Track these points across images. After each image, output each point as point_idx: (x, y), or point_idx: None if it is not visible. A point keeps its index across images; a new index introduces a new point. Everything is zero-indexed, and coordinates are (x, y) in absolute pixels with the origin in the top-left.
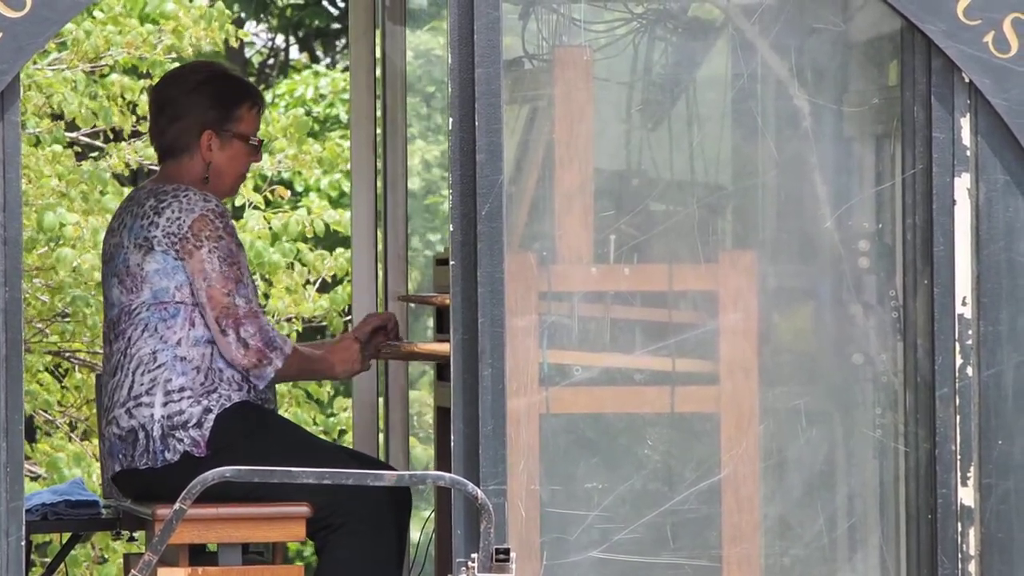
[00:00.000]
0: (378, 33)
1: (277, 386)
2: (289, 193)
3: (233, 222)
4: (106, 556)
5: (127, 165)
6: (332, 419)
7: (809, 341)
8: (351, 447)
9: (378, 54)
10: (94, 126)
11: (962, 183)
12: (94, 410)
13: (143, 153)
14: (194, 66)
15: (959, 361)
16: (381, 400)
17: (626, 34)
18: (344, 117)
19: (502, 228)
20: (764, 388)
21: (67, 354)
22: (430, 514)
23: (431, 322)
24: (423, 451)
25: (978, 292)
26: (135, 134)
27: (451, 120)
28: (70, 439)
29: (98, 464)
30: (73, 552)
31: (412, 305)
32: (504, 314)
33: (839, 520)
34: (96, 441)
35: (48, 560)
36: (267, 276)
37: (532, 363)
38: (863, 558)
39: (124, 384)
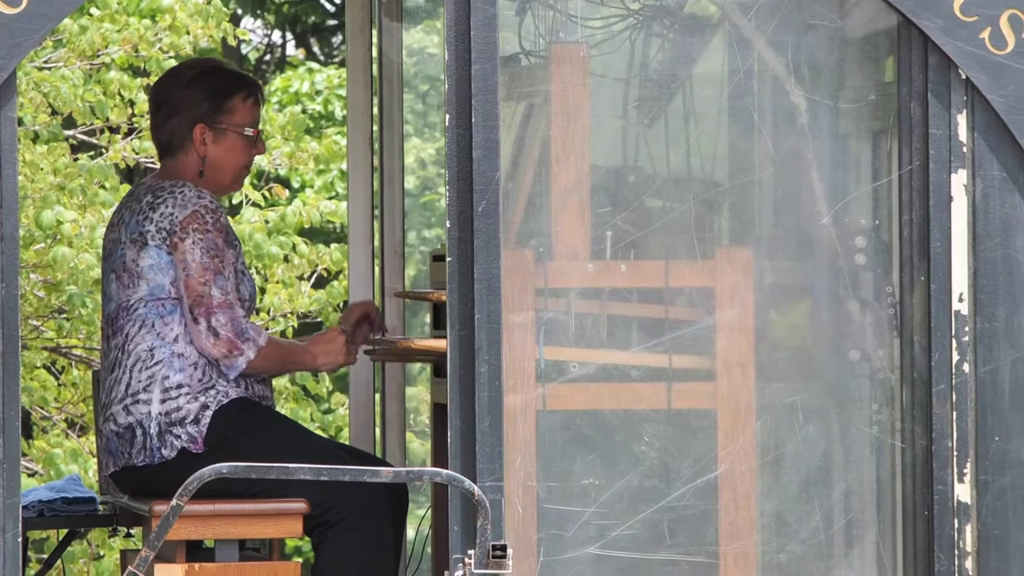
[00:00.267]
0: (374, 31)
1: (274, 382)
2: (287, 192)
3: (227, 219)
4: (103, 552)
5: (123, 159)
6: (329, 415)
7: (806, 337)
8: (348, 443)
9: (374, 52)
10: (91, 123)
11: (959, 179)
12: (91, 406)
13: (140, 149)
14: (191, 62)
15: (956, 357)
16: (378, 396)
17: (623, 30)
18: (339, 113)
19: (498, 224)
20: (761, 384)
21: (64, 350)
22: (427, 510)
23: (428, 318)
24: (420, 447)
25: (975, 288)
26: (132, 130)
27: (447, 116)
28: (67, 435)
29: (95, 460)
30: (70, 548)
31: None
32: (500, 310)
33: (836, 516)
34: (93, 437)
35: (45, 556)
36: (263, 271)
37: (529, 359)
38: (860, 554)
39: (122, 381)
